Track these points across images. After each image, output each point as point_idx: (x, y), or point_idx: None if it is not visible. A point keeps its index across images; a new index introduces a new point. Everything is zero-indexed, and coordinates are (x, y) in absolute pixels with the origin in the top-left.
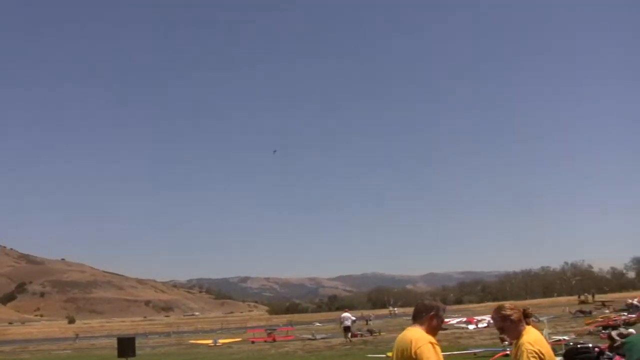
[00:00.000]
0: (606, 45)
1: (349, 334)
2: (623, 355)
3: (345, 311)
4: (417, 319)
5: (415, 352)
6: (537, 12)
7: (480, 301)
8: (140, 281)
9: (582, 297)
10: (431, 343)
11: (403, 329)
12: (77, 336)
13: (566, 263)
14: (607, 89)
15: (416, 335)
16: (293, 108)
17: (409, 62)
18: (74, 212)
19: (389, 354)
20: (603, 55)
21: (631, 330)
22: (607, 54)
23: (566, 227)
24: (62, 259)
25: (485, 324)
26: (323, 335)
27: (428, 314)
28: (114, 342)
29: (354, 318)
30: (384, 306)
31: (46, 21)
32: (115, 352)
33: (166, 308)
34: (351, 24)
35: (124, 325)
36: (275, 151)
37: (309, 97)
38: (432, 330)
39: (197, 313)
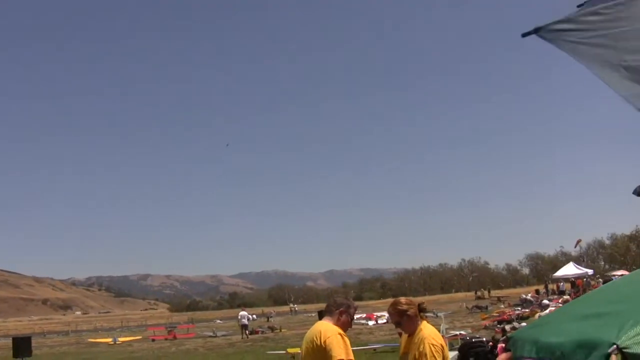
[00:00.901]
0: None
1: (246, 331)
2: (509, 350)
3: (243, 309)
4: (327, 313)
5: (325, 342)
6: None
7: (380, 298)
8: (37, 279)
9: (479, 293)
10: (340, 334)
11: (304, 326)
12: None
13: (463, 260)
14: None
15: (325, 326)
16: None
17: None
18: None
19: (289, 349)
20: None
21: (524, 324)
22: None
23: (462, 224)
24: None
25: (385, 320)
26: (224, 333)
27: (338, 309)
28: (9, 342)
29: (254, 316)
30: (284, 303)
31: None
32: (11, 353)
33: (65, 307)
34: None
35: (21, 324)
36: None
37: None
38: (342, 326)
39: (109, 311)
